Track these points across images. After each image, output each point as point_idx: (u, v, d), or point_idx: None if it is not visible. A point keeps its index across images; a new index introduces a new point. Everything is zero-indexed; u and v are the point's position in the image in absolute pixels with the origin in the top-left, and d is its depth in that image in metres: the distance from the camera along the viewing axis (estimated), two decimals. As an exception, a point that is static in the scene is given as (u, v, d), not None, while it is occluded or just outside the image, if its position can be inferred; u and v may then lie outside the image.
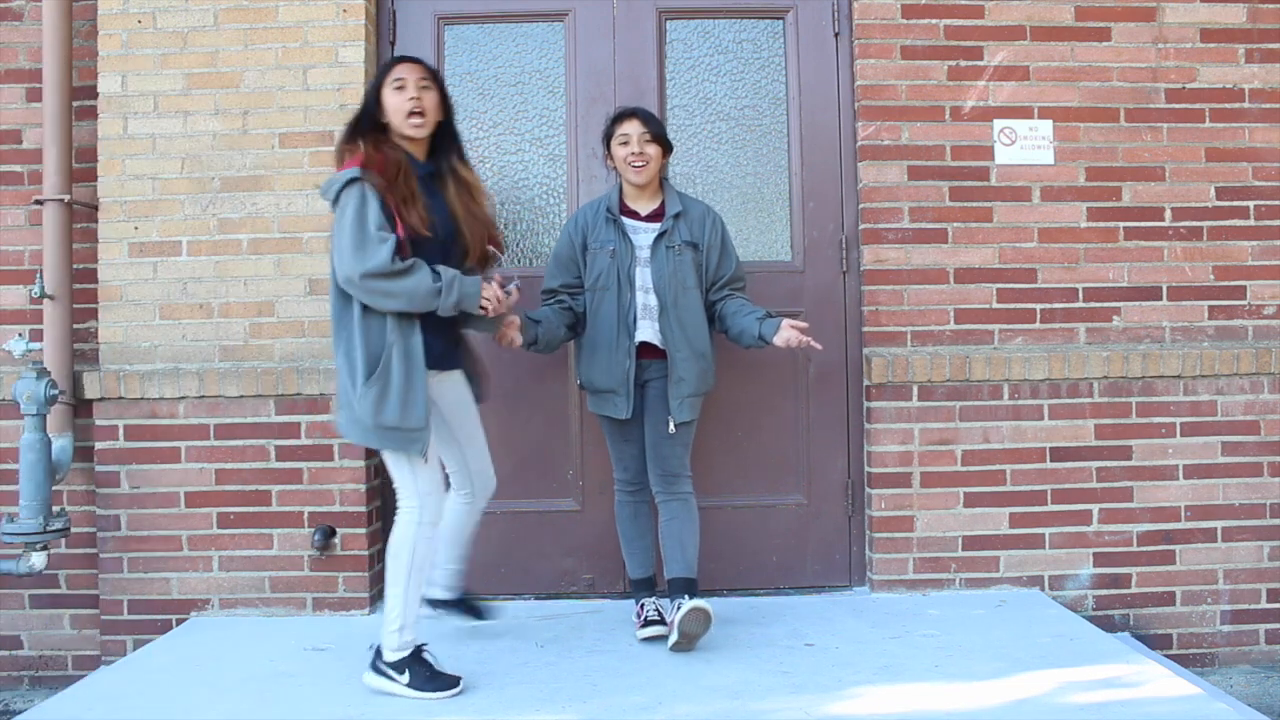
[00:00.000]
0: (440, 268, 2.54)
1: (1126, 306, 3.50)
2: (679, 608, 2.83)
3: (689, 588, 2.94)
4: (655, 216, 3.03)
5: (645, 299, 2.97)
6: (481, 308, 2.60)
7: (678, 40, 3.65)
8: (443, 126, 2.72)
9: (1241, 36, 3.54)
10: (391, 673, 2.59)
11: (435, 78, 2.69)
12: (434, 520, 2.61)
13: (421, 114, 2.60)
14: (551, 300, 3.07)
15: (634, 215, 3.04)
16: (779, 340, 2.87)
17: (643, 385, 3.01)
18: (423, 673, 2.59)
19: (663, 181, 3.10)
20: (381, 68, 2.70)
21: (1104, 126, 3.51)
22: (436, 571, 2.92)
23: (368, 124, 2.61)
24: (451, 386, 2.78)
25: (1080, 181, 3.51)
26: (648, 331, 2.97)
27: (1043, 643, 2.93)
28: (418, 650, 2.61)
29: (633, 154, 2.97)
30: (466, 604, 3.05)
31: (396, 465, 2.59)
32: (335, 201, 2.53)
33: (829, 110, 3.60)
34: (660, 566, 3.11)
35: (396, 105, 2.59)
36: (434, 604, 2.99)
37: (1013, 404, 3.46)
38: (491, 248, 2.79)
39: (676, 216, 3.00)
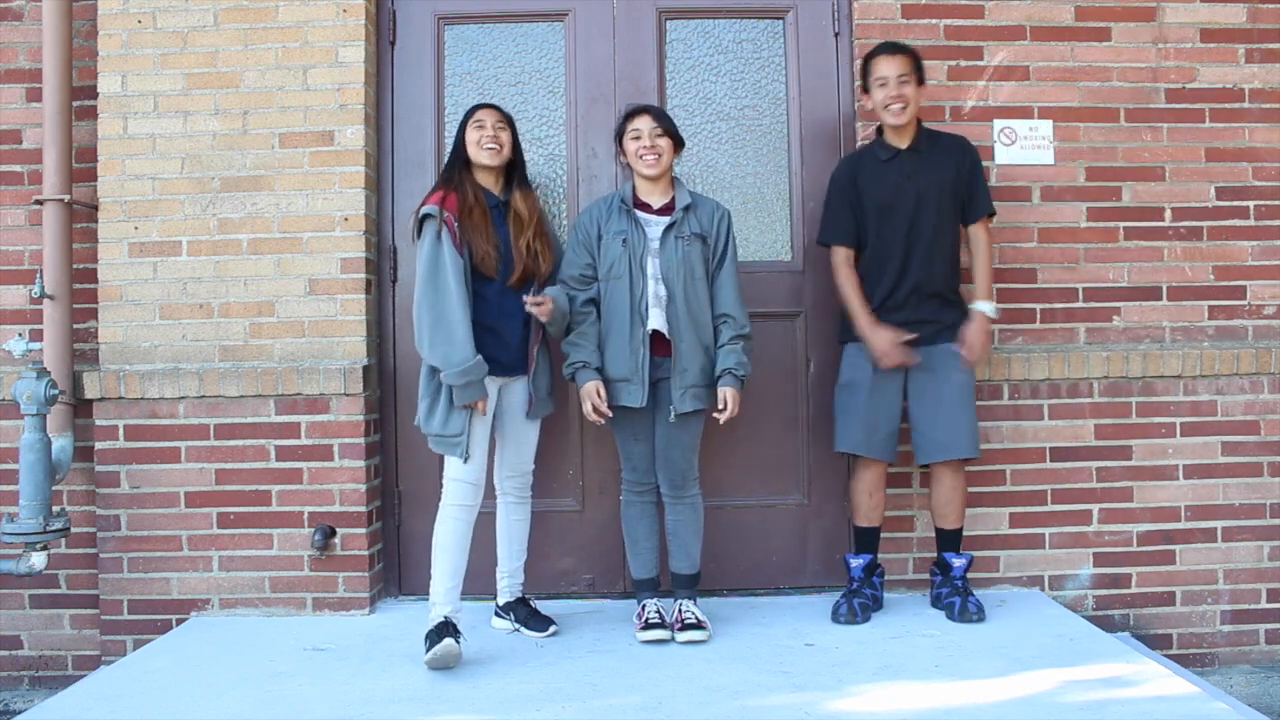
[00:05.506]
0: (474, 365, 2.80)
1: (1126, 306, 3.51)
2: (681, 622, 2.98)
3: (691, 584, 3.10)
4: (666, 210, 3.07)
5: (656, 288, 2.99)
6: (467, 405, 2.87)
7: (678, 40, 3.65)
8: (513, 164, 3.08)
9: (1241, 36, 3.54)
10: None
11: (509, 122, 3.08)
12: (458, 503, 2.89)
13: (497, 146, 2.99)
14: (577, 290, 3.04)
15: (646, 208, 3.08)
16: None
17: (655, 384, 3.02)
18: (432, 639, 2.75)
19: (674, 178, 3.13)
20: (466, 112, 3.06)
21: (1104, 126, 3.51)
22: (503, 580, 3.19)
23: (456, 159, 3.02)
24: (514, 392, 3.06)
25: (1080, 181, 3.51)
26: (657, 320, 2.98)
27: (1043, 642, 2.93)
28: (444, 624, 2.78)
29: (644, 147, 3.01)
30: (527, 606, 3.17)
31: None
32: (418, 231, 2.91)
33: (829, 110, 3.60)
34: (663, 568, 3.15)
35: (474, 139, 3.00)
36: (499, 611, 3.21)
37: (1013, 404, 3.46)
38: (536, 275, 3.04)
39: (686, 209, 3.04)
